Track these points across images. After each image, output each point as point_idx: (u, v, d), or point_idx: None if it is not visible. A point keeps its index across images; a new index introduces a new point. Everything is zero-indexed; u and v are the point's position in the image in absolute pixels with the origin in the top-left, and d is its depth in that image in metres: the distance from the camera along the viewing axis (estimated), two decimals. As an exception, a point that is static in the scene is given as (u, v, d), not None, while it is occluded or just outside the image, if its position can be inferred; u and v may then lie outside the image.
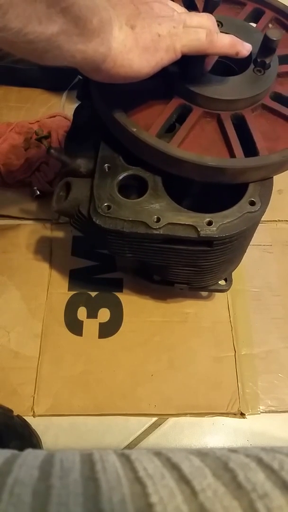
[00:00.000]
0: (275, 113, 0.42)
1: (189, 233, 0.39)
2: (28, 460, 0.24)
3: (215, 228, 0.38)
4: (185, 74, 0.40)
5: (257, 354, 0.58)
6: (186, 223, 0.39)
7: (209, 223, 0.39)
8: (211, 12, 0.40)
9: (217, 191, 0.41)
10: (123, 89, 0.41)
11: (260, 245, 0.66)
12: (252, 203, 0.40)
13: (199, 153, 0.38)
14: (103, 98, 0.41)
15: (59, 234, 0.66)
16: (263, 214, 0.40)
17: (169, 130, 0.42)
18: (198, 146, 0.40)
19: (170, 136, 0.40)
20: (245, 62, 0.41)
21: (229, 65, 0.43)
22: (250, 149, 0.39)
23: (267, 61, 0.40)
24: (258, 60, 0.41)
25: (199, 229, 0.38)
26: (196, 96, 0.40)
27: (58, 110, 0.77)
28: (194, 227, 0.39)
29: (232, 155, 0.39)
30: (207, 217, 0.39)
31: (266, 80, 0.41)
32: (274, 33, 0.38)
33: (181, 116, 0.41)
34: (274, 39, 0.38)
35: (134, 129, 0.39)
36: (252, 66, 0.41)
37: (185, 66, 0.39)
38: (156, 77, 0.38)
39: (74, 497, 0.21)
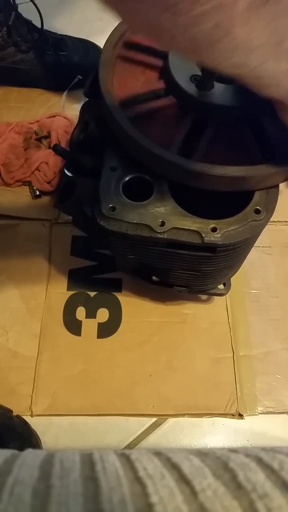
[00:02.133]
0: None
1: (193, 239, 0.38)
2: (28, 460, 0.24)
3: (219, 235, 0.38)
4: (199, 87, 0.40)
5: (255, 356, 0.58)
6: (191, 228, 0.38)
7: (214, 230, 0.38)
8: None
9: (218, 194, 0.41)
10: (140, 105, 0.40)
11: (259, 246, 0.66)
12: (257, 212, 0.39)
13: (220, 164, 0.37)
14: (119, 118, 0.40)
15: (58, 234, 0.66)
16: (267, 222, 0.40)
17: (187, 141, 0.41)
18: (219, 156, 0.39)
19: (190, 149, 0.39)
20: None
21: None
22: (270, 155, 0.39)
23: None
24: None
25: (203, 235, 0.38)
26: (211, 107, 0.40)
27: (58, 110, 0.77)
28: (198, 233, 0.38)
29: (253, 162, 0.38)
30: (212, 223, 0.38)
31: None
32: None
33: (198, 127, 0.41)
34: None
35: (155, 149, 0.38)
36: None
37: (200, 81, 0.39)
38: (171, 92, 0.38)
39: (74, 497, 0.21)
